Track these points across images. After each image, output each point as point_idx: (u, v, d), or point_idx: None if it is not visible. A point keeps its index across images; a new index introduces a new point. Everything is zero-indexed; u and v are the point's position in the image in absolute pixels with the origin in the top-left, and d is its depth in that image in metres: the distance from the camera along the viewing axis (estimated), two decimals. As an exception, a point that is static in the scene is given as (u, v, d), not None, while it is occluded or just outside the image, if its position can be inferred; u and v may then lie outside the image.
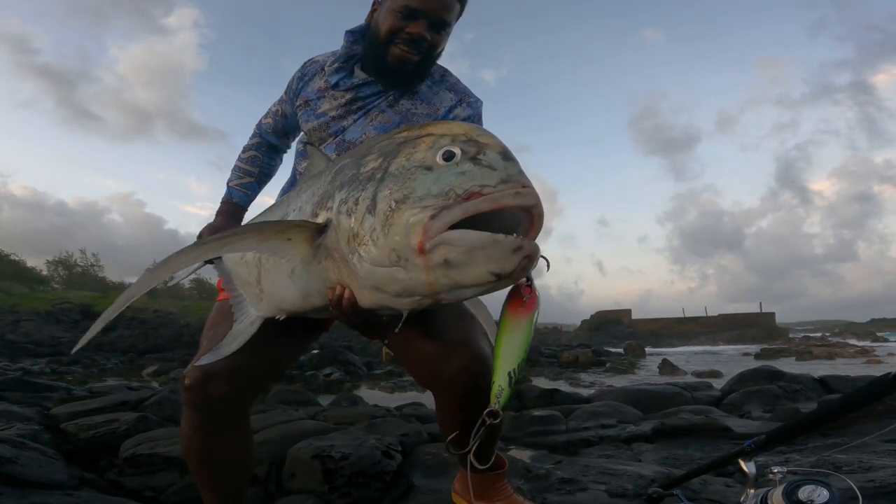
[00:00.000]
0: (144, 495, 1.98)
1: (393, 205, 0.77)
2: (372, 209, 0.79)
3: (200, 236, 1.38)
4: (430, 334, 1.14)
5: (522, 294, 0.87)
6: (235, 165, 1.55)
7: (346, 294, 0.87)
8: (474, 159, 0.78)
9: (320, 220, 0.91)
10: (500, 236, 0.71)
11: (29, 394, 4.27)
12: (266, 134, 1.52)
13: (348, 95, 1.30)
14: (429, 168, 0.79)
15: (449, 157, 0.79)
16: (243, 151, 1.55)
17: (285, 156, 1.61)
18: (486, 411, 0.78)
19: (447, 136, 0.82)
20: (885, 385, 0.83)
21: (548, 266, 0.86)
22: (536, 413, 3.36)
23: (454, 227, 0.73)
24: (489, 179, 0.75)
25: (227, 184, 1.54)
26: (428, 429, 2.75)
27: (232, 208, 1.51)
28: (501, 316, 0.87)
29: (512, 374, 0.81)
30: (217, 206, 1.53)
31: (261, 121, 1.53)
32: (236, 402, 1.14)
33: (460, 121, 1.22)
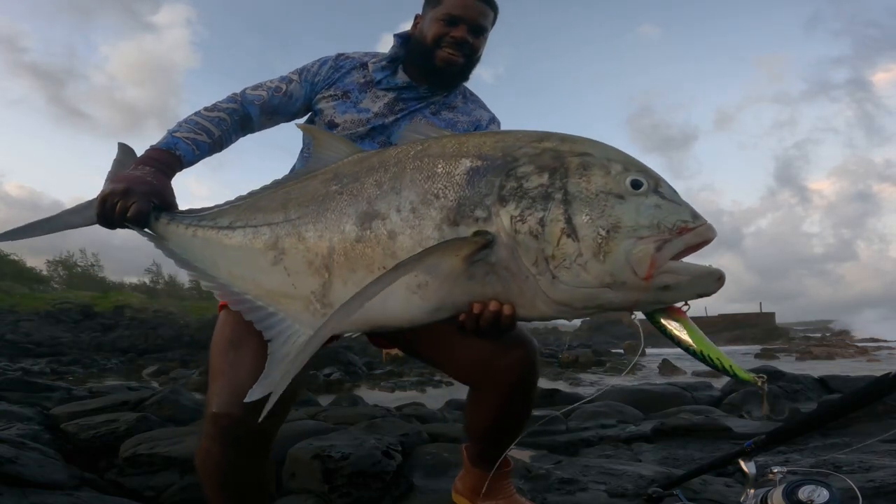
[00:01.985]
0: (144, 495, 1.98)
1: (602, 233, 0.81)
2: (572, 234, 0.81)
3: (124, 192, 1.09)
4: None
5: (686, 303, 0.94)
6: (191, 118, 1.29)
7: (507, 310, 0.86)
8: (657, 192, 0.86)
9: (463, 230, 0.86)
10: (712, 268, 0.82)
11: (29, 394, 4.28)
12: (251, 104, 1.34)
13: (391, 95, 1.37)
14: (620, 196, 0.84)
15: (637, 185, 0.85)
16: (207, 109, 1.32)
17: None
18: (760, 384, 0.87)
19: (613, 160, 0.87)
20: (885, 385, 0.83)
21: None
22: (536, 413, 3.36)
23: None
24: (685, 215, 0.84)
25: (170, 132, 1.25)
26: (428, 429, 2.75)
27: (169, 159, 1.19)
28: (677, 322, 0.90)
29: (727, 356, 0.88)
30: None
31: (246, 90, 1.36)
32: (271, 432, 1.08)
33: None
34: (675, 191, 0.89)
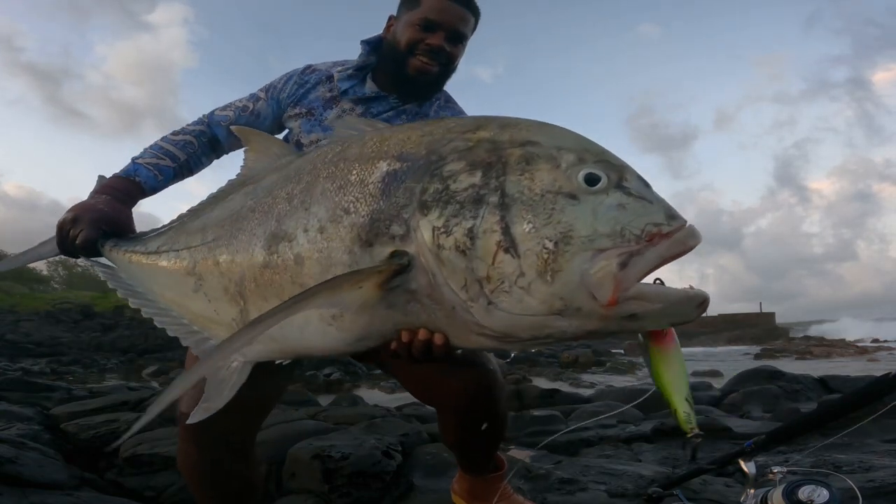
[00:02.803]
0: (144, 495, 1.98)
1: (549, 245, 0.64)
2: (511, 248, 0.65)
3: (73, 221, 1.08)
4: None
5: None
6: (156, 144, 1.26)
7: (438, 339, 0.73)
8: (621, 188, 0.69)
9: (378, 251, 0.73)
10: (693, 292, 0.66)
11: (29, 394, 4.28)
12: (217, 126, 1.30)
13: (359, 109, 1.27)
14: (572, 196, 0.67)
15: (593, 181, 0.68)
16: (174, 133, 1.29)
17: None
18: (690, 435, 0.81)
19: (565, 149, 0.71)
20: (885, 385, 0.83)
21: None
22: (536, 413, 3.36)
23: None
24: (657, 215, 0.67)
25: (133, 159, 1.23)
26: (428, 429, 2.75)
27: (127, 186, 1.18)
28: (648, 349, 0.84)
29: (689, 398, 0.83)
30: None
31: (214, 111, 1.33)
32: (240, 436, 1.09)
33: None
34: (645, 184, 0.72)
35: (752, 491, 1.00)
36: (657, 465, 2.15)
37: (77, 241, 1.08)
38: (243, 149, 1.05)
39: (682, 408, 0.82)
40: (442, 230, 0.68)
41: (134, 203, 1.19)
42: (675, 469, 2.06)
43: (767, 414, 3.56)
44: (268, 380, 0.99)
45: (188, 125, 1.32)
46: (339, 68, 1.30)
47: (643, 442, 2.73)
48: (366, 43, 1.31)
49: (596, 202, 0.67)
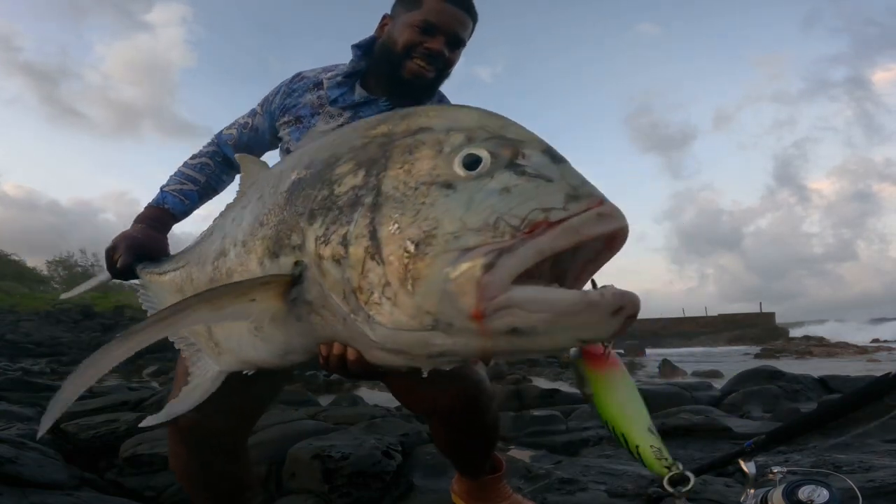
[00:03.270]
0: (144, 495, 1.98)
1: (410, 247, 0.55)
2: (375, 254, 0.57)
3: (113, 249, 1.19)
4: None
5: (603, 344, 0.69)
6: (178, 170, 1.37)
7: (351, 354, 0.69)
8: (514, 165, 0.57)
9: (284, 262, 0.70)
10: (596, 296, 0.51)
11: (29, 394, 4.27)
12: (225, 145, 1.38)
13: (347, 114, 1.25)
14: (448, 185, 0.57)
15: (472, 163, 0.58)
16: (191, 157, 1.39)
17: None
18: (667, 479, 0.64)
19: (456, 130, 0.61)
20: (885, 385, 0.83)
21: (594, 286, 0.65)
22: (536, 413, 3.36)
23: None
24: (552, 198, 0.54)
25: (161, 188, 1.34)
26: (428, 429, 2.75)
27: (159, 214, 1.30)
28: (586, 376, 0.71)
29: (651, 428, 0.68)
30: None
31: (221, 131, 1.40)
32: (231, 437, 1.10)
33: None
34: (554, 158, 0.59)
35: (752, 491, 0.99)
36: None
37: (118, 266, 1.20)
38: (239, 175, 1.13)
39: (647, 441, 0.65)
40: (322, 239, 0.63)
41: (167, 228, 1.30)
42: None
43: (767, 414, 3.56)
44: (255, 384, 1.00)
45: (203, 148, 1.41)
46: (329, 75, 1.28)
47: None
48: (357, 47, 1.28)
49: (475, 189, 0.56)
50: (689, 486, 0.60)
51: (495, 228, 0.53)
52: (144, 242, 1.23)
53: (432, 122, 0.65)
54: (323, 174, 0.69)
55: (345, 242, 0.60)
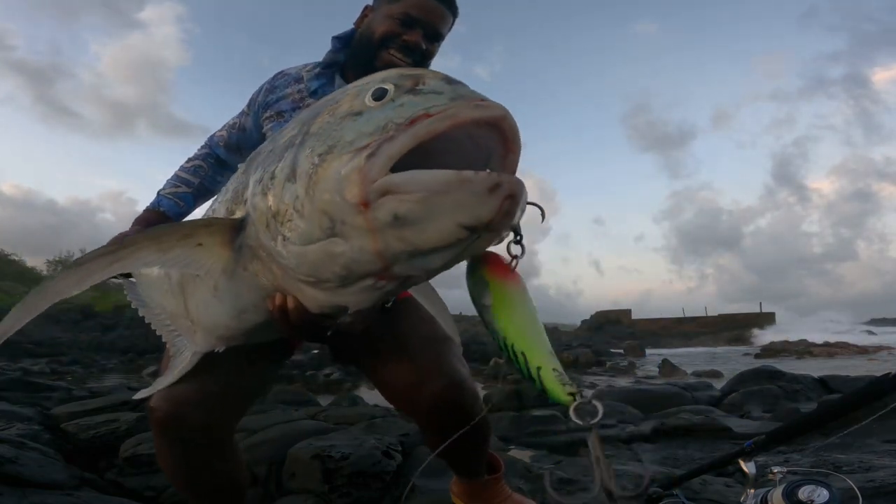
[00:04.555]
0: (144, 495, 1.98)
1: (316, 160, 0.61)
2: (291, 176, 0.63)
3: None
4: (402, 360, 1.09)
5: (511, 254, 0.63)
6: (174, 174, 1.39)
7: (290, 302, 0.72)
8: (413, 91, 0.62)
9: (237, 216, 0.77)
10: (469, 173, 0.53)
11: (29, 394, 4.27)
12: (216, 147, 1.41)
13: None
14: (357, 114, 0.64)
15: (380, 95, 0.63)
16: (186, 161, 1.41)
17: None
18: (576, 404, 0.56)
19: (374, 80, 0.68)
20: (885, 385, 0.83)
21: (542, 216, 0.66)
22: (536, 413, 3.36)
23: (400, 169, 0.56)
24: (437, 101, 0.59)
25: (158, 192, 1.36)
26: (428, 429, 2.75)
27: (155, 217, 1.31)
28: (485, 287, 0.64)
29: (552, 352, 0.61)
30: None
31: (213, 134, 1.43)
32: (213, 431, 1.07)
33: None
34: (452, 82, 0.63)
35: (752, 491, 0.99)
36: (657, 465, 2.15)
37: None
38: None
39: (549, 363, 0.58)
40: (257, 180, 0.70)
41: None
42: (675, 469, 2.06)
43: (767, 414, 3.56)
44: (235, 375, 1.03)
45: (196, 151, 1.43)
46: (308, 69, 1.31)
47: (643, 442, 2.73)
48: (336, 39, 1.29)
49: (376, 111, 0.62)
50: (598, 416, 0.55)
51: (384, 129, 0.58)
52: None
53: (362, 80, 0.71)
54: (273, 140, 0.78)
55: (273, 176, 0.67)
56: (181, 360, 0.99)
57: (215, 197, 0.97)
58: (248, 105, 1.37)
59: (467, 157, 0.60)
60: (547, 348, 0.61)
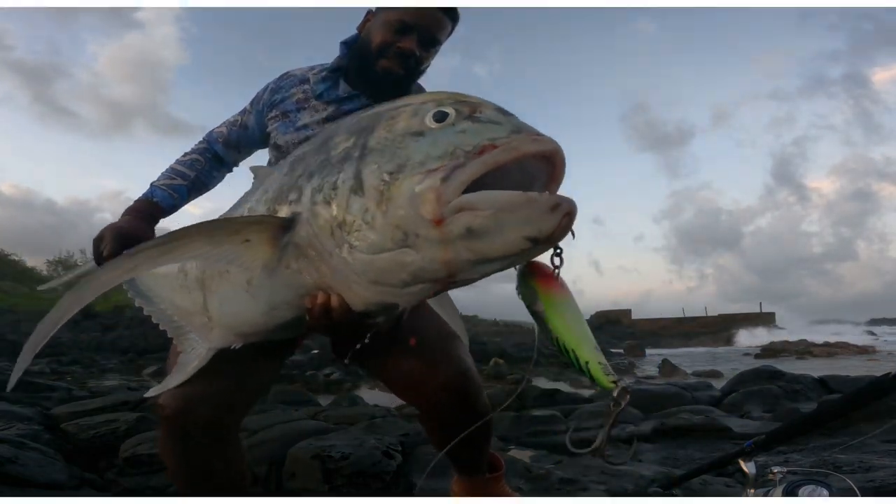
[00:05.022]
0: (144, 495, 1.98)
1: (386, 177, 0.67)
2: (358, 189, 0.69)
3: (100, 239, 1.21)
4: (411, 352, 1.13)
5: (553, 265, 0.74)
6: (169, 167, 1.39)
7: (334, 300, 0.76)
8: (471, 118, 0.69)
9: (281, 215, 0.81)
10: (534, 194, 0.62)
11: (29, 394, 4.27)
12: (215, 143, 1.42)
13: (330, 108, 1.28)
14: (419, 133, 0.70)
15: (440, 118, 0.70)
16: (183, 155, 1.42)
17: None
18: (616, 391, 0.69)
19: (430, 101, 0.74)
20: (885, 385, 0.83)
21: (573, 235, 0.72)
22: (536, 413, 3.36)
23: (469, 190, 0.64)
24: (499, 132, 0.67)
25: (151, 184, 1.36)
26: (428, 429, 2.75)
27: (147, 207, 1.31)
28: (535, 295, 0.75)
29: (597, 348, 0.72)
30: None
31: (212, 130, 1.44)
32: (221, 429, 1.09)
33: None
34: (506, 113, 0.71)
35: (752, 491, 1.00)
36: (657, 465, 2.15)
37: (104, 255, 1.20)
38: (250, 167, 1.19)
39: (595, 358, 0.71)
40: (317, 188, 0.75)
41: (155, 221, 1.32)
42: (675, 469, 2.06)
43: (767, 414, 3.56)
44: (243, 372, 1.06)
45: (194, 146, 1.43)
46: (315, 71, 1.32)
47: (643, 442, 2.73)
48: (344, 44, 1.31)
49: (439, 133, 0.68)
50: (627, 399, 0.69)
51: (453, 155, 0.65)
52: (130, 233, 1.23)
53: (412, 100, 0.77)
54: (321, 147, 0.82)
55: (334, 186, 0.73)
56: (193, 356, 1.00)
57: (250, 195, 0.98)
58: (251, 104, 1.38)
59: (514, 179, 0.66)
60: (592, 345, 0.72)
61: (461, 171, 0.63)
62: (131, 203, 1.33)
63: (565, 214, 0.62)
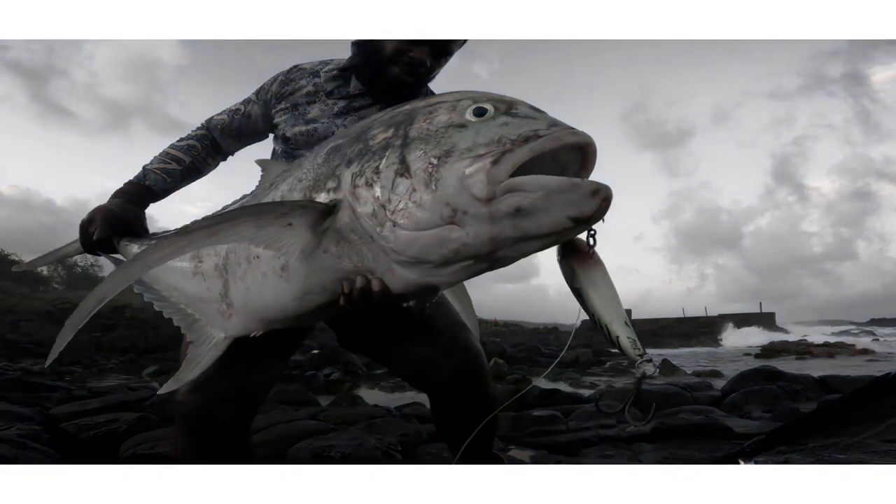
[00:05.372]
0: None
1: (434, 160, 0.72)
2: (404, 172, 0.74)
3: (89, 221, 1.20)
4: (424, 338, 1.16)
5: (589, 244, 0.82)
6: (163, 151, 1.38)
7: (375, 284, 0.80)
8: (509, 113, 0.76)
9: (320, 201, 0.83)
10: (577, 180, 0.69)
11: (29, 394, 4.27)
12: (214, 129, 1.41)
13: (341, 104, 1.29)
14: (461, 126, 0.76)
15: (480, 112, 0.76)
16: (178, 140, 1.40)
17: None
18: (640, 362, 0.76)
19: (466, 98, 0.80)
20: (886, 385, 0.83)
21: (603, 221, 0.78)
22: (536, 413, 3.36)
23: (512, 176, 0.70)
24: (538, 125, 0.73)
25: (143, 166, 1.35)
26: (428, 429, 2.75)
27: (139, 190, 1.30)
28: (574, 273, 0.82)
29: (627, 322, 0.79)
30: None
31: (212, 117, 1.42)
32: (239, 423, 1.10)
33: None
34: (540, 111, 0.78)
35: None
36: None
37: (94, 238, 1.20)
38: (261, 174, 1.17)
39: (625, 333, 0.78)
40: (358, 173, 0.79)
41: (146, 205, 1.31)
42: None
43: (767, 414, 3.56)
44: (256, 369, 1.07)
45: (191, 131, 1.42)
46: (326, 68, 1.32)
47: (643, 442, 2.73)
48: (355, 44, 1.30)
49: (481, 125, 0.75)
50: (653, 372, 0.76)
51: (499, 142, 0.71)
52: (123, 216, 1.23)
53: (447, 97, 0.82)
54: (357, 138, 0.86)
55: (377, 170, 0.77)
56: (206, 347, 1.01)
57: (281, 180, 0.98)
58: (257, 94, 1.37)
59: (547, 167, 0.72)
60: (623, 320, 0.79)
61: (511, 154, 0.69)
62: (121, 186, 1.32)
63: (604, 199, 0.69)
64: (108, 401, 3.32)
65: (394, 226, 0.74)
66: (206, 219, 0.81)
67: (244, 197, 1.14)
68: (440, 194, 0.71)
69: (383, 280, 0.80)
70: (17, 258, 30.41)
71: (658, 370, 0.77)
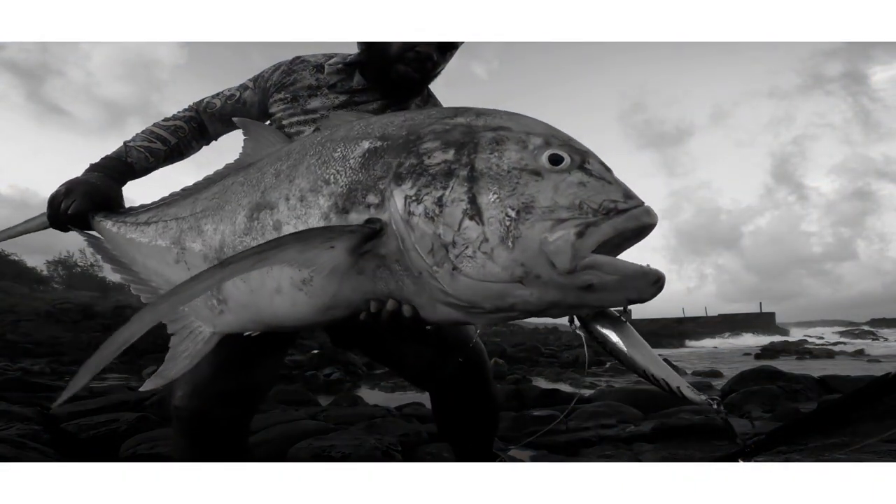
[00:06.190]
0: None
1: (512, 213, 0.69)
2: (475, 216, 0.70)
3: (66, 193, 1.13)
4: (425, 339, 1.16)
5: (624, 309, 0.86)
6: (147, 129, 1.33)
7: (406, 310, 0.77)
8: (584, 168, 0.74)
9: (354, 218, 0.77)
10: (647, 268, 0.69)
11: (29, 394, 4.27)
12: (204, 113, 1.37)
13: (343, 98, 1.29)
14: (536, 173, 0.72)
15: (556, 160, 0.73)
16: (164, 119, 1.35)
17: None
18: (714, 406, 0.89)
19: (535, 134, 0.76)
20: (885, 385, 0.83)
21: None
22: (536, 413, 3.36)
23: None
24: (615, 193, 0.72)
25: (125, 143, 1.30)
26: (428, 429, 2.75)
27: (119, 165, 1.24)
28: (606, 337, 0.86)
29: (677, 375, 0.85)
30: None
31: (203, 99, 1.38)
32: (239, 424, 1.10)
33: None
34: (607, 168, 0.77)
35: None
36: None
37: (69, 212, 1.13)
38: (243, 138, 1.09)
39: (682, 383, 0.83)
40: (413, 198, 0.73)
41: (124, 182, 1.25)
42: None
43: (767, 414, 3.56)
44: (254, 369, 1.06)
45: (179, 112, 1.37)
46: (331, 61, 1.32)
47: (643, 442, 2.73)
48: (362, 42, 1.31)
49: (558, 179, 0.72)
50: (717, 406, 0.86)
51: (580, 208, 0.70)
52: (103, 190, 1.17)
53: (508, 124, 0.79)
54: (406, 147, 0.78)
55: (440, 203, 0.72)
56: (190, 342, 0.94)
57: (295, 172, 0.87)
58: (254, 81, 1.35)
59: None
60: (673, 373, 0.84)
61: (596, 230, 0.68)
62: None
63: (661, 287, 0.71)
64: (108, 401, 3.31)
65: (454, 269, 0.70)
66: (253, 248, 0.73)
67: (227, 166, 1.07)
68: (517, 254, 0.68)
69: (416, 309, 0.77)
70: (17, 258, 30.42)
71: (720, 403, 0.85)
